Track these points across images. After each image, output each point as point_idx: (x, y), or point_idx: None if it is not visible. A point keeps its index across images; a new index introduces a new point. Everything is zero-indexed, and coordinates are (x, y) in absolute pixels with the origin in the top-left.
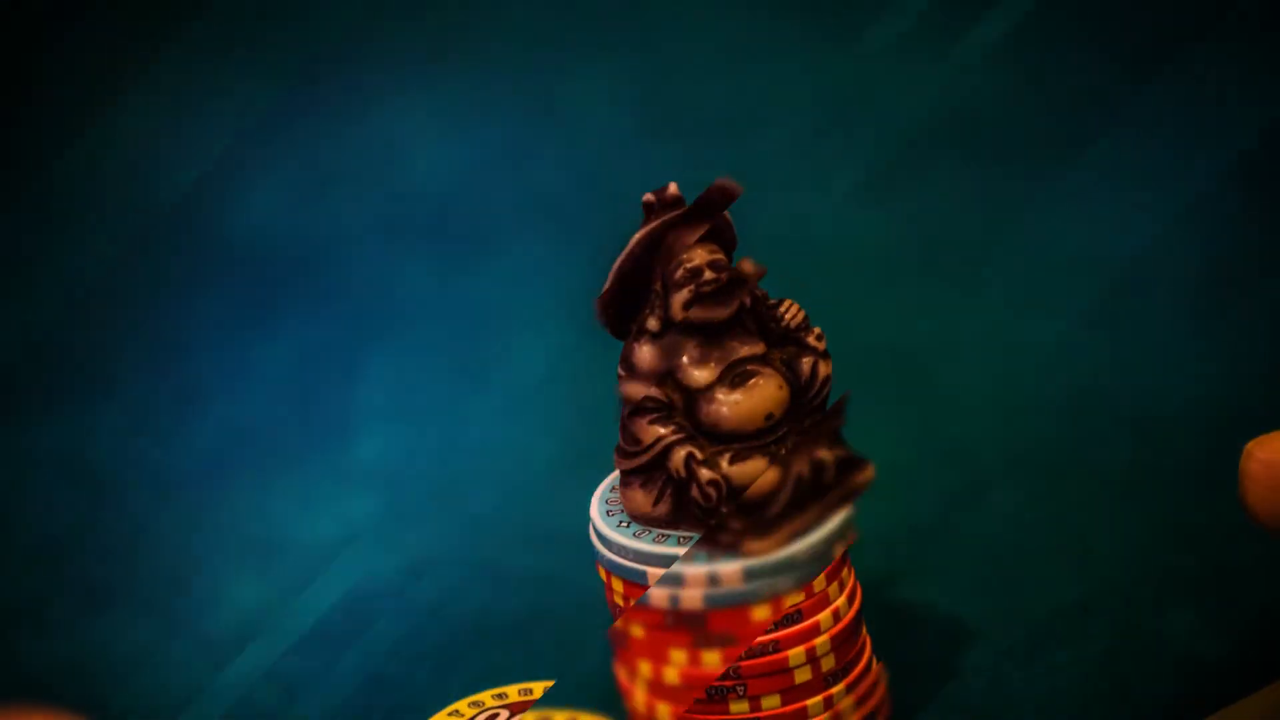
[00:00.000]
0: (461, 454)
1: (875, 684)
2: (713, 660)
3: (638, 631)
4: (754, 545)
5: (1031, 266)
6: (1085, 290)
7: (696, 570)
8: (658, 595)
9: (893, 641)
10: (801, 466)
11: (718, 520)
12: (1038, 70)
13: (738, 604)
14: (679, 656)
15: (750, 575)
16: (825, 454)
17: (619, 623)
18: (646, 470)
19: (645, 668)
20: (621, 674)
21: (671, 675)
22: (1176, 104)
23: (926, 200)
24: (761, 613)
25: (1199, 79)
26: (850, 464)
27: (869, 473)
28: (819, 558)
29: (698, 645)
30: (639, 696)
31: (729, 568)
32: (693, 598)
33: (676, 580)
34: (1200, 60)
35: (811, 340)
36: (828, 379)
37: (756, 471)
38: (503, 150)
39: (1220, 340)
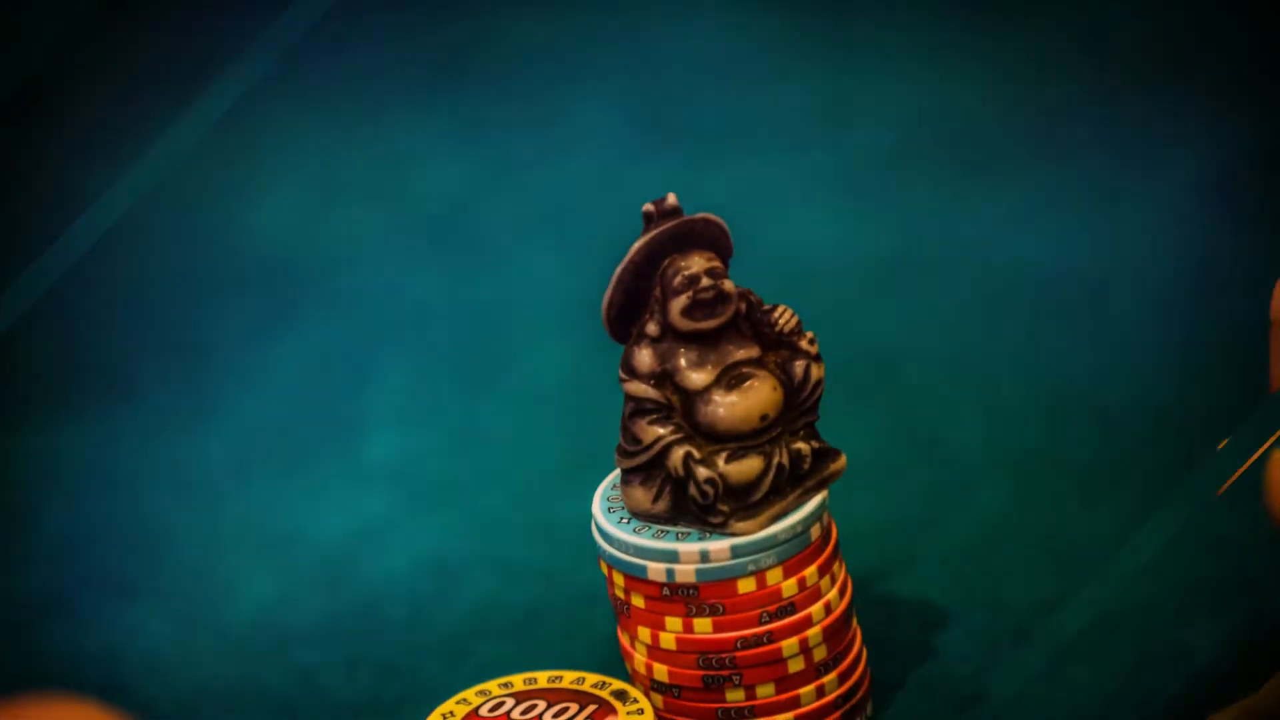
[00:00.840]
0: (469, 454)
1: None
2: (704, 626)
3: (638, 602)
4: (740, 526)
5: (1026, 270)
6: (1083, 294)
7: (690, 548)
8: (656, 570)
9: (879, 630)
10: (782, 457)
11: (718, 519)
12: (1019, 85)
13: (726, 577)
14: (674, 623)
15: (736, 552)
16: (803, 446)
17: (622, 595)
18: (646, 469)
19: (645, 633)
20: (624, 639)
21: (668, 640)
22: (1148, 118)
23: (919, 209)
24: (746, 585)
25: (1171, 93)
26: (824, 455)
27: (841, 462)
28: (797, 538)
29: (690, 614)
30: (639, 659)
31: (718, 545)
32: (686, 572)
33: (673, 557)
34: (1172, 75)
35: (804, 344)
36: (820, 381)
37: (752, 470)
38: (509, 163)
39: (1215, 347)
